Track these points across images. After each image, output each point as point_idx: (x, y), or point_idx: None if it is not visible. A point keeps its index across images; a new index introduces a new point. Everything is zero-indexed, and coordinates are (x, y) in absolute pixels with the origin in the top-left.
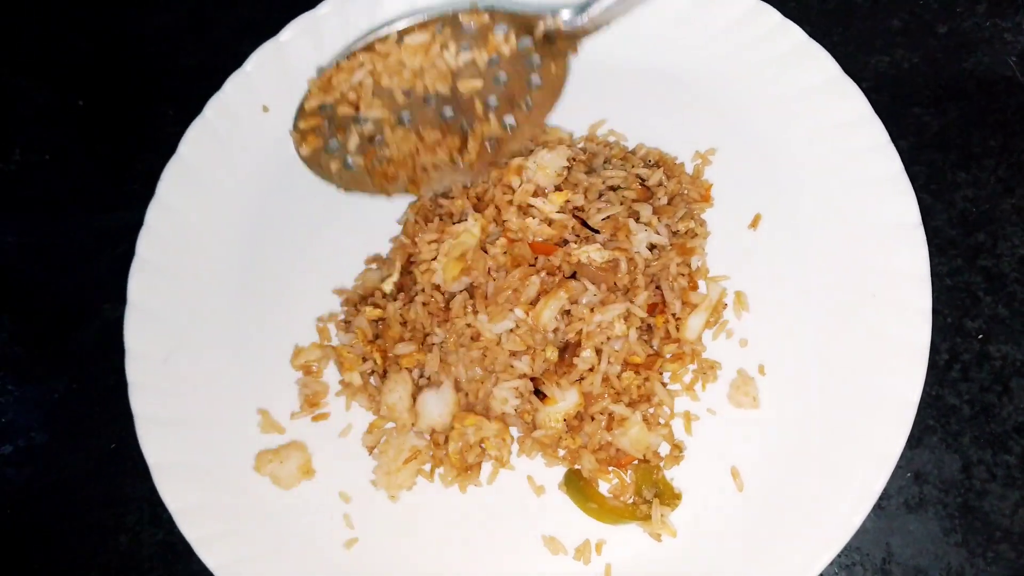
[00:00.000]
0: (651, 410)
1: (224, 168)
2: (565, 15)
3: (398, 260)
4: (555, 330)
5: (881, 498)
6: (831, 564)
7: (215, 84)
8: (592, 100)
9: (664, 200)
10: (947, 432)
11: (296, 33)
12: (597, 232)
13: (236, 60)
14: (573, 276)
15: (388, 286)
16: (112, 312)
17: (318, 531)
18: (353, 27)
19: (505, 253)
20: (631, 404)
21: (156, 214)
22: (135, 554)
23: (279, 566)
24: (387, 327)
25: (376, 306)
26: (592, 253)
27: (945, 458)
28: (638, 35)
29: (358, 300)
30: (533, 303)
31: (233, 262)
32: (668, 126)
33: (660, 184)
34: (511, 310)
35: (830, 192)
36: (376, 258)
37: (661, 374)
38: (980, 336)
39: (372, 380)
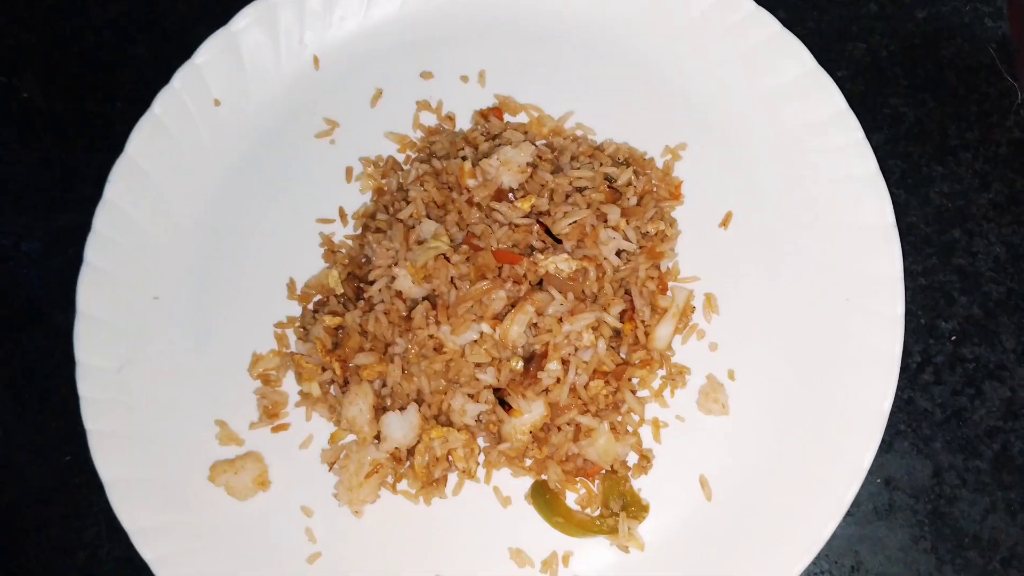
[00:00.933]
0: (619, 418)
1: (175, 167)
2: None
3: (335, 267)
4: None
5: (851, 505)
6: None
7: (166, 75)
8: (559, 91)
9: (633, 200)
10: (918, 437)
11: (249, 22)
12: (561, 242)
13: (189, 49)
14: (539, 284)
15: (335, 283)
16: (63, 319)
17: (280, 546)
18: (309, 14)
19: (468, 260)
20: (599, 413)
21: (104, 218)
22: (94, 571)
23: None
24: (347, 336)
25: (334, 313)
26: (560, 263)
27: (916, 464)
28: (607, 23)
29: (316, 307)
30: (499, 318)
31: (187, 267)
32: (637, 119)
33: (629, 184)
34: (475, 322)
35: (803, 190)
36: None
37: (631, 381)
38: (953, 338)
39: (333, 390)
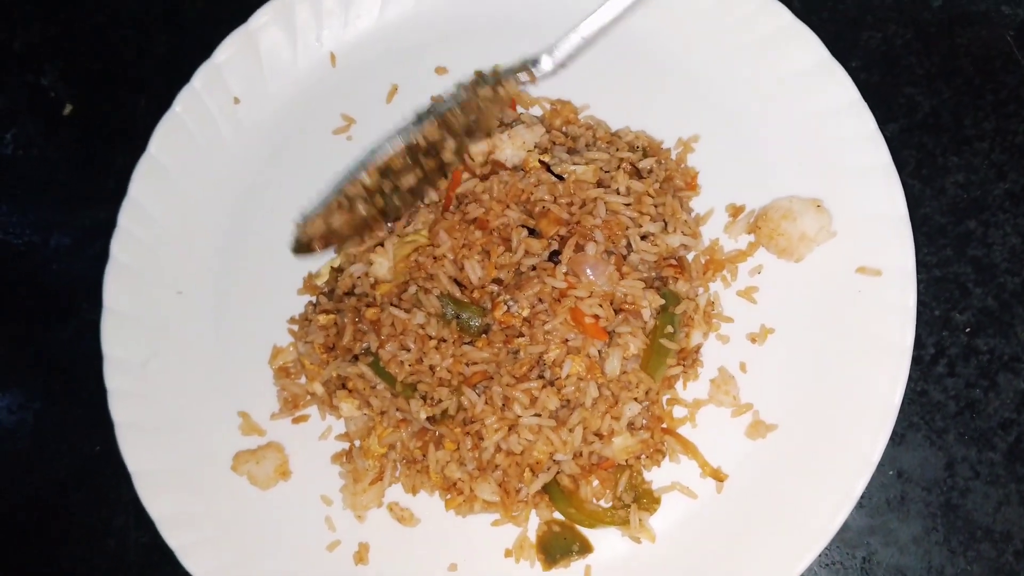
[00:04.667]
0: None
1: (196, 164)
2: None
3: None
4: None
5: (863, 496)
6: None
7: (187, 72)
8: (571, 86)
9: (656, 187)
10: (931, 429)
11: (267, 20)
12: (562, 179)
13: (208, 46)
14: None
15: (324, 276)
16: (91, 313)
17: (301, 534)
18: (326, 12)
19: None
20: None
21: (129, 215)
22: (123, 558)
23: (264, 571)
24: (339, 337)
25: (326, 311)
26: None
27: (929, 456)
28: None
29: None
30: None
31: (210, 262)
32: (650, 112)
33: (651, 171)
34: None
35: (815, 181)
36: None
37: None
38: (968, 330)
39: None
